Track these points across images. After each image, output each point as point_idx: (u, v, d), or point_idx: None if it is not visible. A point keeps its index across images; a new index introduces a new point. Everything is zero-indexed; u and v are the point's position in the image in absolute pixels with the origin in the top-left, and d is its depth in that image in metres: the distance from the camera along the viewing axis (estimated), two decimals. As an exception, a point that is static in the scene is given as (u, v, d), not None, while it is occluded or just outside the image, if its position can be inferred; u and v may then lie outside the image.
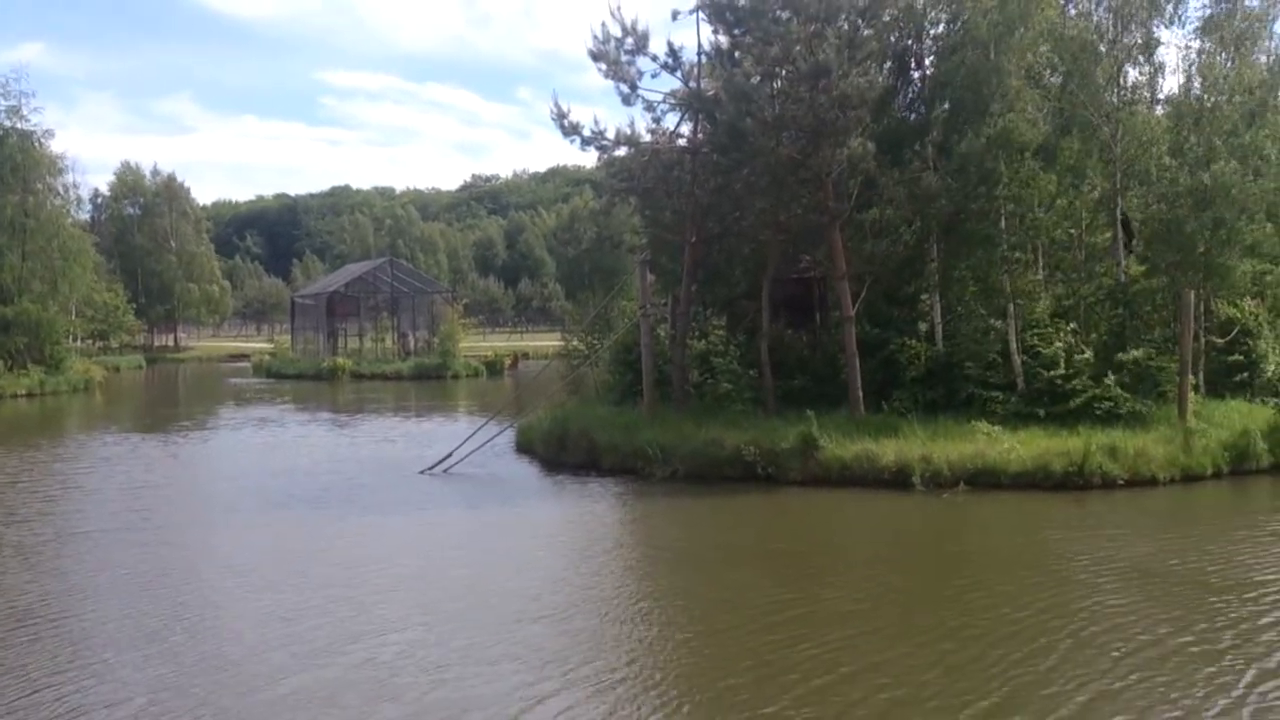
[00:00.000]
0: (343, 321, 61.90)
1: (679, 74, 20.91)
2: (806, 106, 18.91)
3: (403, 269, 67.37)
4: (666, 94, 21.21)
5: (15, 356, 44.97)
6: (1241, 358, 21.11)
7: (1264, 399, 20.02)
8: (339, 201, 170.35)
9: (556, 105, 20.85)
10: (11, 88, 48.08)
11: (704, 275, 22.43)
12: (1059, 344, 19.55)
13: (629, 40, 20.50)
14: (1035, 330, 20.16)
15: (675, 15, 20.44)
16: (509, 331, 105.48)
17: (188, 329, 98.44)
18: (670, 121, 21.70)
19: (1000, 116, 19.32)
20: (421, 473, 19.91)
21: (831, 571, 12.72)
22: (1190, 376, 19.02)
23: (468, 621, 10.31)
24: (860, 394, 19.66)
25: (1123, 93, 21.31)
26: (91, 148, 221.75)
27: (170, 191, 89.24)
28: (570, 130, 20.92)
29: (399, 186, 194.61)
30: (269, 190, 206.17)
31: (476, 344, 65.82)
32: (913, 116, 22.46)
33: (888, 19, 20.83)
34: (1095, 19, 21.42)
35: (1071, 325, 20.23)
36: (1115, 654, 8.99)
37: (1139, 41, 21.20)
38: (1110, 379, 18.81)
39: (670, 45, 20.66)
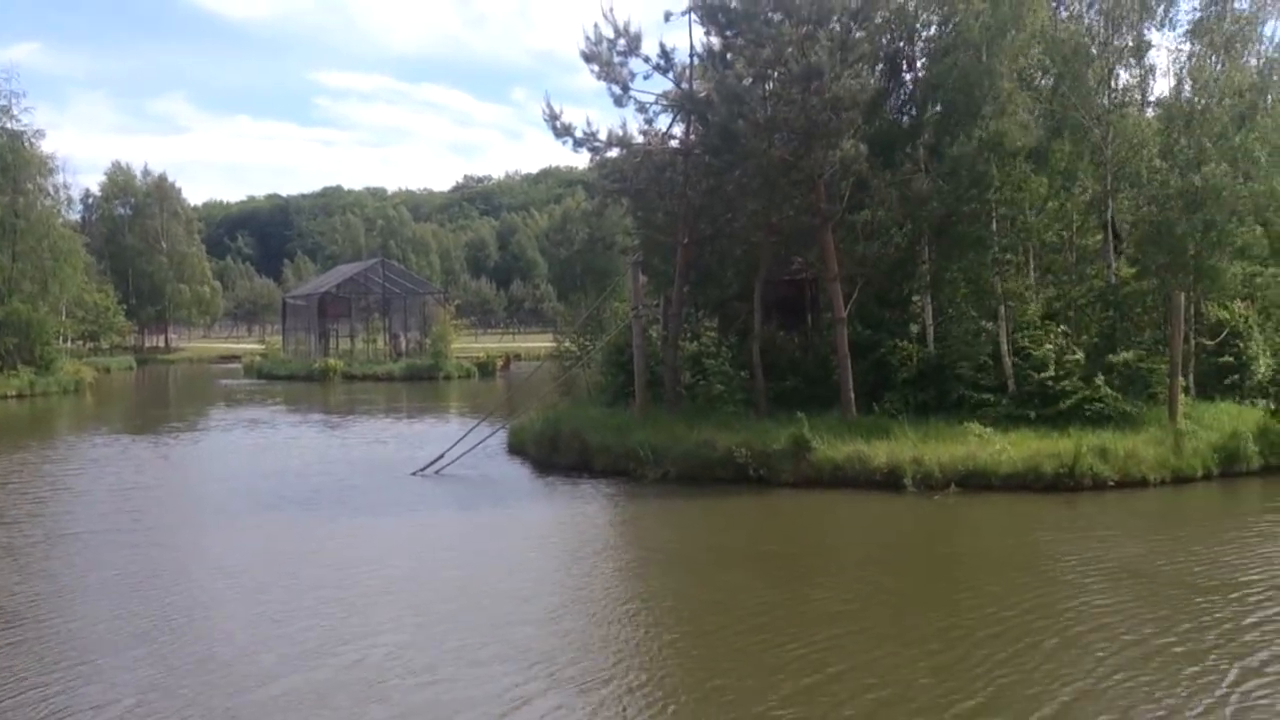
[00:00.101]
0: (334, 322, 61.74)
1: (671, 75, 20.92)
2: (798, 108, 18.93)
3: (394, 270, 67.26)
4: (659, 95, 21.23)
5: (5, 357, 44.81)
6: (1231, 360, 21.18)
7: (1253, 401, 20.07)
8: (331, 202, 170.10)
9: (549, 106, 20.87)
10: (2, 88, 47.96)
11: (696, 277, 22.43)
12: (1049, 346, 19.60)
13: (621, 42, 20.50)
14: (1026, 332, 20.20)
15: (668, 16, 20.46)
16: (501, 333, 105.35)
17: (179, 330, 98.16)
18: (662, 123, 21.73)
19: (992, 119, 19.36)
20: (413, 474, 19.88)
21: (822, 572, 12.73)
22: (1180, 378, 19.07)
23: (458, 623, 10.29)
24: (852, 395, 19.68)
25: (1113, 95, 21.37)
26: (85, 147, 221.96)
27: (161, 192, 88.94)
28: (563, 131, 20.92)
29: (391, 187, 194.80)
30: (261, 190, 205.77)
31: (468, 345, 65.74)
32: (904, 119, 22.50)
33: (879, 21, 20.87)
34: (1086, 21, 21.49)
35: (1062, 327, 20.28)
36: (1100, 654, 9.03)
37: (1130, 44, 21.27)
38: (1100, 380, 18.87)
39: (663, 47, 20.67)
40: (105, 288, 73.10)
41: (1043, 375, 19.23)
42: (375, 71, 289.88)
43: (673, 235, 21.61)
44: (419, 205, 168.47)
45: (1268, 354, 21.38)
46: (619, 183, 21.60)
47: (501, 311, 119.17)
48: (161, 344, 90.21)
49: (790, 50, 18.86)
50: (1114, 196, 21.11)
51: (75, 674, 8.88)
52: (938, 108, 21.22)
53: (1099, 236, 21.84)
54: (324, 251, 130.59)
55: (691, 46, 20.79)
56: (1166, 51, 22.02)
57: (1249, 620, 9.99)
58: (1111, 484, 16.76)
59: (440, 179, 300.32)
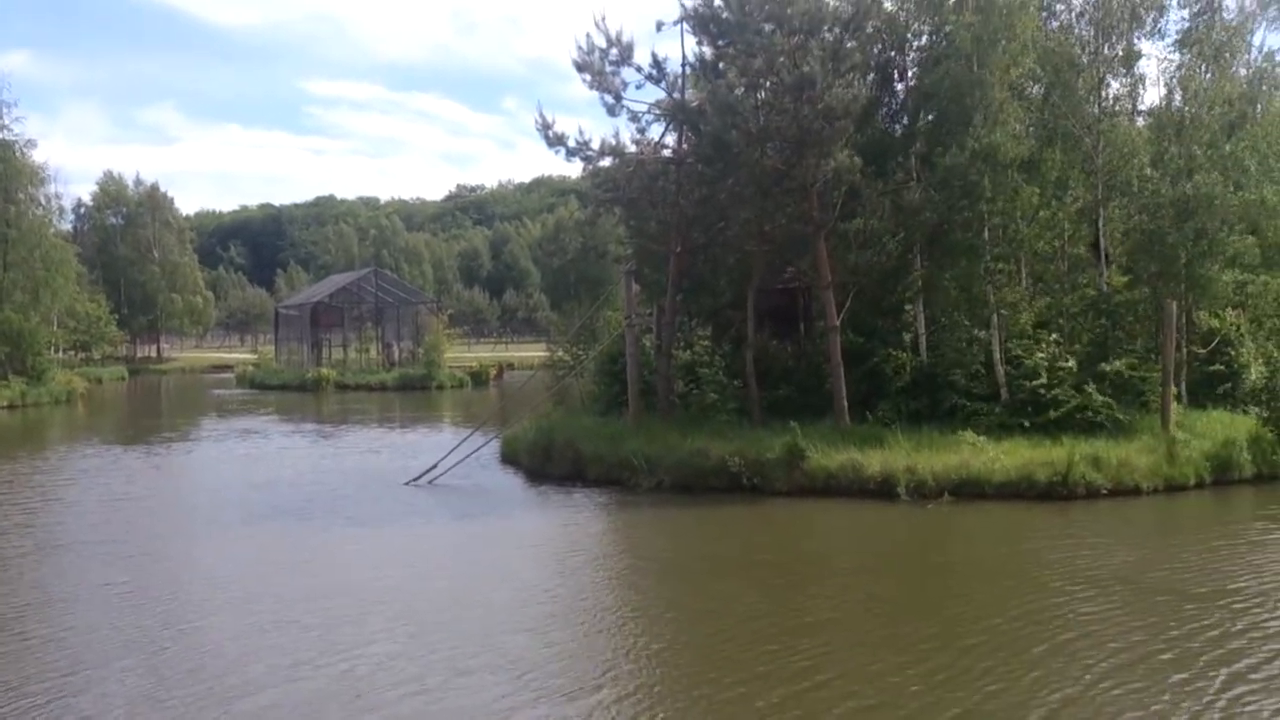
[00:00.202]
0: (327, 332, 61.70)
1: (663, 85, 20.95)
2: (791, 118, 18.97)
3: (387, 279, 67.28)
4: (651, 104, 21.26)
5: (-4, 368, 44.67)
6: (1223, 368, 21.25)
7: (1245, 409, 20.12)
8: (323, 212, 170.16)
9: (541, 116, 20.89)
10: (-7, 98, 47.87)
11: (689, 285, 22.44)
12: (1042, 354, 19.63)
13: (614, 51, 20.54)
14: (1019, 341, 20.24)
15: (660, 26, 20.53)
16: (494, 342, 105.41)
17: (170, 340, 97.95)
18: (655, 132, 21.75)
19: (984, 129, 19.40)
20: (406, 484, 19.82)
21: (814, 581, 12.71)
22: (1173, 387, 19.12)
23: (449, 633, 10.25)
24: (845, 404, 19.68)
25: (1104, 104, 21.46)
26: (76, 157, 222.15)
27: (153, 201, 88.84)
28: (555, 141, 20.93)
29: (384, 196, 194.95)
30: (253, 200, 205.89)
31: (461, 355, 65.68)
32: (897, 128, 22.57)
33: (871, 31, 20.93)
34: (1077, 31, 21.58)
35: (1055, 336, 20.33)
36: (1088, 661, 9.05)
37: (1120, 54, 21.36)
38: (1092, 388, 18.90)
39: (655, 56, 20.71)
40: (97, 297, 72.93)
41: (1035, 384, 19.26)
42: (367, 80, 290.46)
43: (666, 244, 21.61)
44: (412, 215, 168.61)
45: (1259, 362, 21.44)
46: (612, 192, 21.61)
47: (495, 321, 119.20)
48: (153, 354, 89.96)
49: (782, 60, 18.91)
50: (1105, 205, 21.18)
51: (65, 684, 8.81)
52: (930, 117, 21.30)
53: (1090, 243, 21.90)
54: (317, 261, 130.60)
55: (684, 56, 20.87)
56: (1156, 61, 22.17)
57: (1237, 627, 10.02)
58: (1105, 492, 16.77)
59: (433, 188, 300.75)
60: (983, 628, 10.15)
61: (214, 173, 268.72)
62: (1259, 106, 22.32)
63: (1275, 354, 21.41)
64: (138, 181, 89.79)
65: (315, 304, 61.06)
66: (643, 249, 23.08)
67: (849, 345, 20.55)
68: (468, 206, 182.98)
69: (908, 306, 22.23)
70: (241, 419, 36.52)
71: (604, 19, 20.40)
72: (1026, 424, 18.83)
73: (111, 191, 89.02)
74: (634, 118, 21.18)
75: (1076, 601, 11.04)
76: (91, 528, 16.08)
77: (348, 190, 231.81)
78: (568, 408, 25.43)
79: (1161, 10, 21.38)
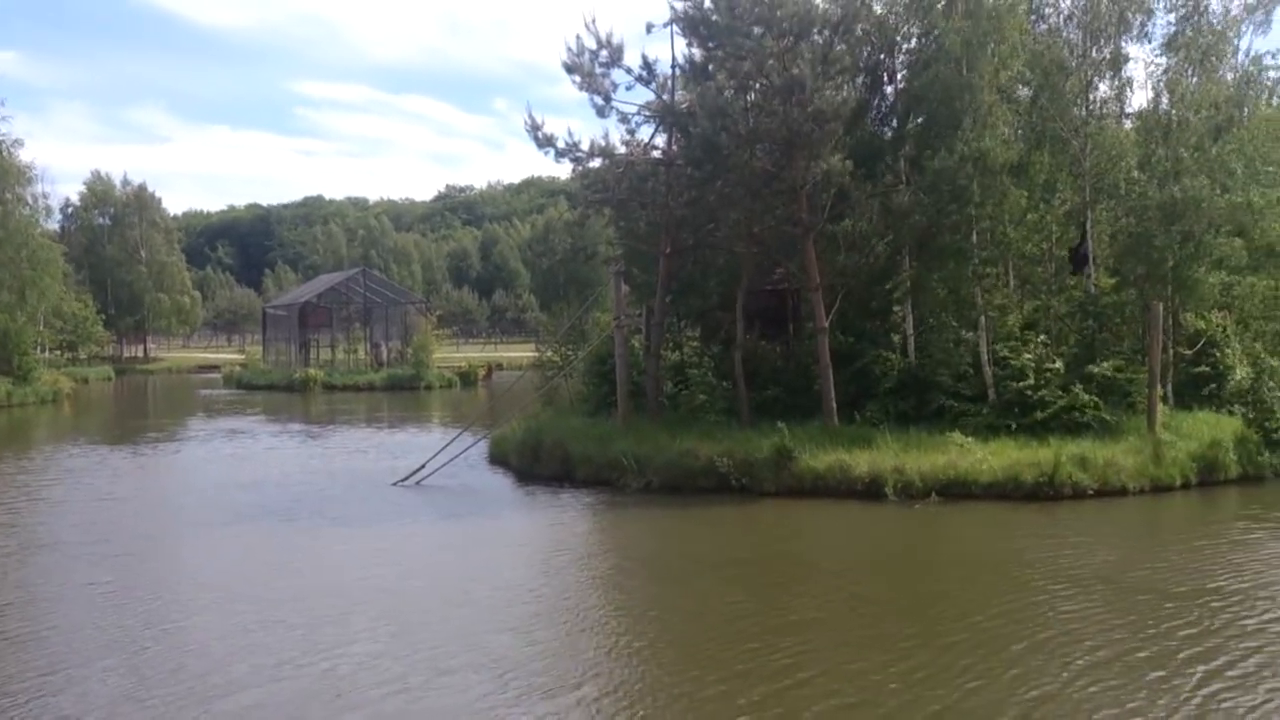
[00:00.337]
0: (315, 332, 61.50)
1: (653, 87, 20.94)
2: (780, 120, 18.99)
3: (376, 280, 67.13)
4: (641, 106, 21.24)
5: (-18, 368, 44.43)
6: (1208, 369, 21.32)
7: (1230, 409, 20.20)
8: (312, 212, 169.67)
9: (531, 117, 20.84)
10: (-21, 97, 47.62)
11: (678, 287, 22.44)
12: (1029, 356, 19.69)
13: (603, 53, 20.52)
14: (1006, 342, 20.29)
15: (649, 28, 20.52)
16: (483, 342, 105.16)
17: (158, 340, 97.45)
18: (645, 133, 21.70)
19: (973, 132, 19.43)
20: (394, 485, 19.76)
21: (800, 581, 12.73)
22: (1159, 388, 19.19)
23: (433, 632, 10.23)
24: (834, 405, 19.70)
25: (1092, 107, 21.54)
26: (65, 157, 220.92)
27: (140, 201, 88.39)
28: (544, 142, 20.91)
29: (372, 197, 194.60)
30: (241, 200, 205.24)
31: (450, 355, 65.47)
32: (886, 131, 22.61)
33: (860, 33, 20.97)
34: (1065, 35, 21.65)
35: (1042, 337, 20.39)
36: (1066, 659, 9.11)
37: (1107, 57, 21.43)
38: (1079, 389, 18.97)
39: (645, 58, 20.69)
40: (84, 297, 72.59)
41: (1022, 385, 19.31)
42: (356, 81, 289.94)
43: (655, 245, 21.62)
44: (401, 215, 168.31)
45: (1244, 363, 21.53)
46: (601, 193, 21.59)
47: (484, 321, 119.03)
48: (140, 354, 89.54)
49: (771, 62, 18.93)
50: (1093, 208, 21.26)
51: (45, 683, 8.77)
52: (919, 120, 21.33)
53: (1070, 248, 22.00)
54: (305, 261, 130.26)
55: (673, 58, 20.87)
56: (1144, 64, 22.24)
57: (1216, 625, 10.09)
58: (1091, 493, 16.84)
59: (422, 189, 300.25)
60: (964, 626, 10.19)
61: (203, 173, 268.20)
62: (1245, 110, 22.40)
63: (1262, 355, 21.51)
64: (125, 181, 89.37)
65: (303, 304, 60.88)
66: (632, 250, 23.08)
67: (837, 346, 20.59)
68: (457, 207, 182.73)
69: (896, 308, 22.28)
70: (228, 419, 36.38)
71: (594, 21, 20.41)
72: (1013, 425, 18.87)
73: (99, 191, 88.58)
74: (624, 119, 21.18)
75: (1057, 600, 11.12)
76: (76, 527, 15.99)
77: (336, 191, 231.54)
78: (556, 408, 25.41)
79: (1148, 14, 21.46)
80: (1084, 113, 21.30)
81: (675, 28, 20.34)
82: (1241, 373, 21.21)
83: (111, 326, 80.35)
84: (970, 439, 18.07)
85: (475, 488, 19.73)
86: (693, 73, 20.70)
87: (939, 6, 20.71)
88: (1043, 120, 20.98)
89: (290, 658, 9.45)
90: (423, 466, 20.21)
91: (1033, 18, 21.78)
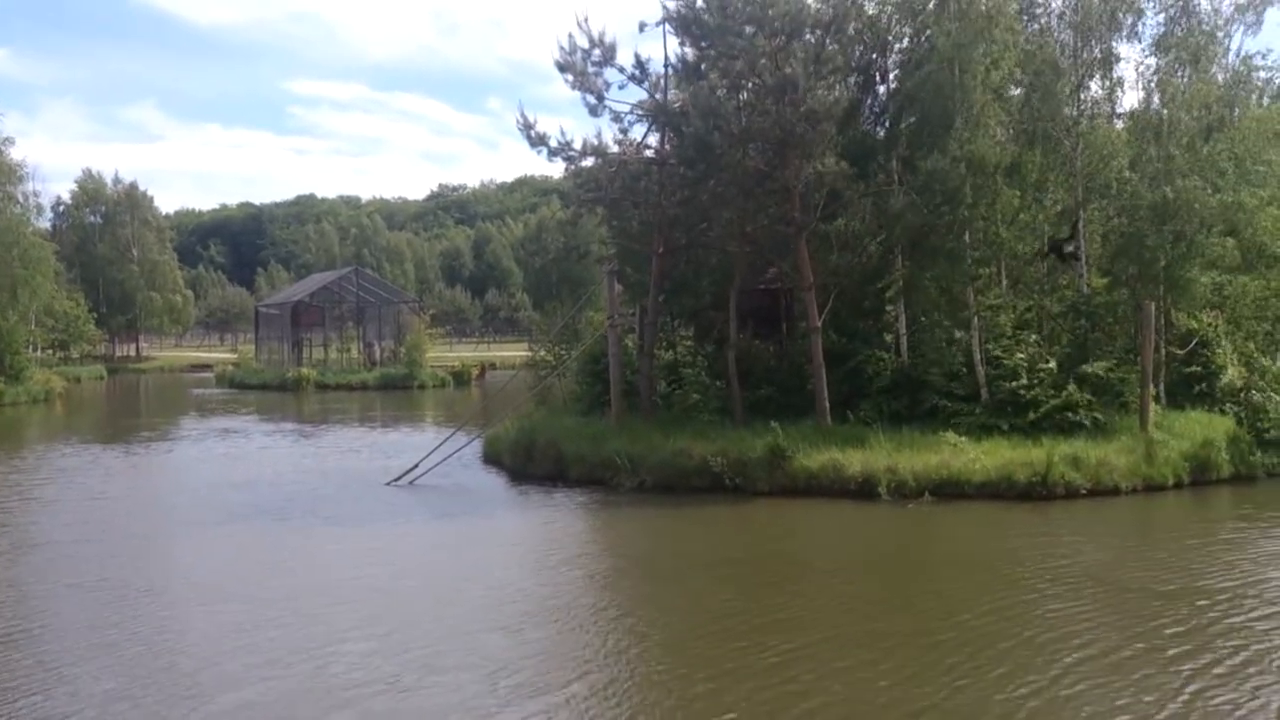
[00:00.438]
0: (307, 331, 61.39)
1: (646, 85, 20.94)
2: (773, 120, 19.00)
3: (369, 279, 67.03)
4: (634, 105, 21.24)
5: (-27, 367, 44.28)
6: (1200, 368, 21.38)
7: (1222, 408, 20.26)
8: (304, 211, 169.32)
9: (523, 116, 20.85)
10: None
11: (671, 286, 22.44)
12: (1021, 356, 19.73)
13: (596, 52, 20.51)
14: (999, 341, 20.32)
15: (642, 27, 20.50)
16: (476, 342, 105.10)
17: (150, 339, 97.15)
18: (637, 132, 21.71)
19: (966, 132, 19.43)
20: (387, 484, 19.74)
21: (793, 580, 12.74)
22: (1151, 387, 19.25)
23: (425, 632, 10.23)
24: (827, 404, 19.72)
25: (1083, 107, 21.58)
26: (57, 155, 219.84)
27: (132, 200, 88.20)
28: (537, 141, 20.89)
29: (365, 196, 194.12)
30: (234, 199, 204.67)
31: (443, 354, 65.48)
32: (879, 130, 22.62)
33: (852, 33, 20.97)
34: (1057, 34, 21.68)
35: (1035, 337, 20.43)
36: (1057, 658, 9.14)
37: (1098, 56, 21.48)
38: (1072, 388, 19.01)
39: (637, 57, 20.68)
40: (75, 296, 72.37)
41: (1015, 385, 19.34)
42: (350, 80, 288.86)
43: (648, 244, 21.62)
44: (393, 214, 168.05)
45: (1236, 363, 21.60)
46: (594, 192, 21.58)
47: (477, 320, 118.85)
48: (132, 353, 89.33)
49: (764, 62, 18.94)
50: (1085, 208, 21.30)
51: (40, 684, 8.74)
52: (912, 120, 21.34)
53: (1070, 248, 22.02)
54: (297, 260, 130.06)
55: (666, 57, 20.86)
56: (1135, 64, 22.24)
57: (1206, 625, 10.13)
58: (1084, 492, 16.87)
59: (415, 188, 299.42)
60: (953, 624, 10.23)
61: (195, 172, 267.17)
62: (1236, 110, 22.46)
63: (1254, 355, 21.58)
64: (117, 180, 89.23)
65: (296, 303, 60.77)
66: (625, 249, 23.08)
67: (830, 346, 20.59)
68: (450, 206, 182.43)
69: (889, 307, 22.30)
70: (221, 418, 36.30)
71: (587, 20, 20.39)
72: (1006, 425, 18.90)
73: (90, 190, 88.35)
74: (616, 118, 21.17)
75: (1047, 599, 11.16)
76: (68, 526, 15.95)
77: (329, 189, 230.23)
78: (550, 407, 25.40)
79: (1139, 14, 21.51)
80: (1076, 112, 21.34)
81: (668, 27, 20.32)
82: (1233, 372, 21.28)
83: (103, 325, 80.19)
84: (963, 438, 18.11)
85: (468, 487, 19.72)
86: (685, 72, 20.69)
87: (930, 7, 20.73)
88: (1034, 120, 21.01)
89: (282, 656, 9.44)
90: (416, 466, 20.19)
91: (1024, 18, 21.80)
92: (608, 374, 21.90)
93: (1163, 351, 21.11)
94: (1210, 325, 21.73)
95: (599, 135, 20.98)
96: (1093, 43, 21.36)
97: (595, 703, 8.37)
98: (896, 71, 22.17)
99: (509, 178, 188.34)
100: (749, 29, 19.33)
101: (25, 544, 14.88)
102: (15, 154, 50.78)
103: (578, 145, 20.85)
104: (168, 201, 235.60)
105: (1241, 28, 22.88)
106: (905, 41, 22.07)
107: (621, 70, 20.63)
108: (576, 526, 16.70)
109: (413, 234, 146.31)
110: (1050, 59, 21.04)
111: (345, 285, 62.26)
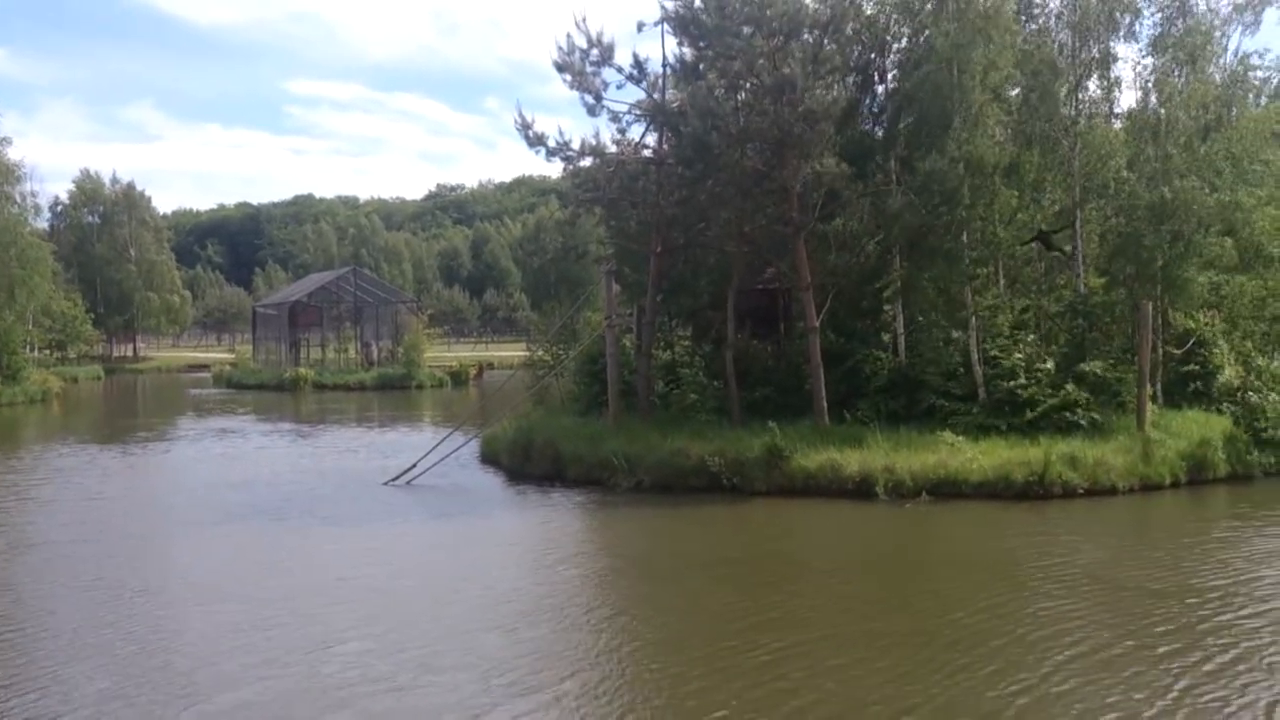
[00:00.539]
0: (305, 331, 61.36)
1: (644, 85, 20.95)
2: (771, 120, 18.99)
3: (366, 279, 66.97)
4: (632, 105, 21.25)
5: (-30, 367, 44.23)
6: (1197, 368, 21.40)
7: (1219, 408, 20.27)
8: (302, 211, 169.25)
9: (521, 116, 20.84)
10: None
11: (669, 286, 22.45)
12: (1018, 355, 19.73)
13: (594, 51, 20.51)
14: (996, 341, 20.33)
15: (640, 27, 20.49)
16: (474, 342, 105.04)
17: (147, 339, 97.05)
18: (635, 132, 21.71)
19: (964, 132, 19.43)
20: (385, 484, 19.74)
21: (790, 580, 12.73)
22: (1148, 387, 19.26)
23: (422, 631, 10.23)
24: (824, 404, 19.72)
25: (1081, 107, 21.59)
26: (55, 155, 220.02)
27: (130, 200, 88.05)
28: (535, 141, 20.89)
29: (363, 196, 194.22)
30: (231, 199, 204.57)
31: (441, 354, 65.43)
32: (877, 130, 22.62)
33: (850, 33, 20.97)
34: (1055, 35, 21.69)
35: (1032, 336, 20.43)
36: (1052, 656, 9.16)
37: (1096, 56, 21.49)
38: (1069, 388, 19.02)
39: (635, 57, 20.67)
40: (73, 296, 72.29)
41: (1013, 384, 19.35)
42: (348, 80, 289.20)
43: (646, 244, 21.62)
44: (391, 214, 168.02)
45: (1233, 362, 21.62)
46: (592, 192, 21.57)
47: (475, 320, 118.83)
48: (130, 353, 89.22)
49: (762, 62, 18.94)
50: (1082, 208, 21.31)
51: (35, 683, 8.73)
52: (910, 119, 21.34)
53: (1067, 247, 22.05)
54: (295, 260, 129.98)
55: (664, 57, 20.88)
56: (1132, 64, 22.25)
57: (1201, 624, 10.14)
58: (1081, 492, 16.88)
59: (413, 188, 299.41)
60: (948, 623, 10.25)
61: (193, 172, 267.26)
62: (1234, 110, 22.48)
63: (1251, 354, 21.60)
64: (114, 180, 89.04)
65: (293, 303, 60.73)
66: (623, 249, 23.08)
67: (828, 346, 20.59)
68: (448, 206, 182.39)
69: (887, 307, 22.31)
70: (218, 418, 36.28)
71: (585, 20, 20.40)
72: (1004, 424, 18.90)
73: (88, 190, 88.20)
74: (614, 118, 21.17)
75: (1042, 597, 11.18)
76: (65, 526, 15.94)
77: (327, 189, 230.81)
78: (547, 407, 25.39)
79: (1136, 14, 21.53)
80: (1073, 112, 21.36)
81: (666, 27, 20.33)
82: (1230, 372, 21.30)
83: (101, 326, 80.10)
84: (961, 438, 18.11)
85: (466, 487, 19.71)
86: (683, 72, 20.69)
87: (928, 7, 20.73)
88: (1032, 120, 21.02)
89: (279, 656, 9.43)
90: (414, 466, 20.18)
91: (1022, 18, 21.81)
92: (605, 374, 21.90)
93: (1160, 351, 21.14)
94: (1207, 325, 21.75)
95: (597, 135, 21.04)
96: (1090, 43, 21.38)
97: (585, 701, 8.38)
98: (895, 72, 22.17)
99: (507, 178, 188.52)
100: (747, 29, 19.33)
101: (22, 544, 14.86)
102: (13, 154, 50.82)
103: (576, 145, 20.87)
104: (166, 201, 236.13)
105: (1239, 27, 22.95)
106: (903, 42, 22.06)
107: (619, 70, 20.64)
108: (574, 526, 16.70)
109: (411, 234, 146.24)
110: (1048, 59, 21.05)
111: (343, 285, 62.22)
